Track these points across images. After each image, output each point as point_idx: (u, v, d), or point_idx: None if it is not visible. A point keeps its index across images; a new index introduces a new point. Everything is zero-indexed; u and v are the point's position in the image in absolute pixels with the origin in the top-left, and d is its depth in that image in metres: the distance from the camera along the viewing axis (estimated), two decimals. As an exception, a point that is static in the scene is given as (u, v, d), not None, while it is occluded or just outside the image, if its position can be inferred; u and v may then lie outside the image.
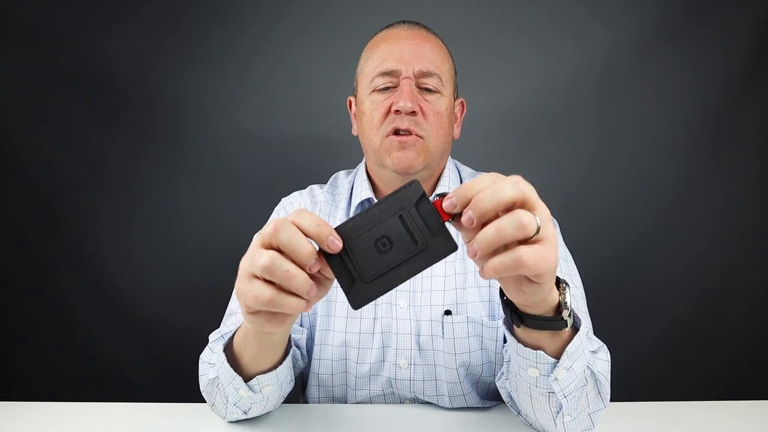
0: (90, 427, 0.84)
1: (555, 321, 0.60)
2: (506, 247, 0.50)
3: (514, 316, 0.62)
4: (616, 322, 1.61)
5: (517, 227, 0.48)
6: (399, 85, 0.92)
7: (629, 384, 1.48)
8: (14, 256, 1.67)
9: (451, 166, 1.03)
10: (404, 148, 0.91)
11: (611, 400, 0.79)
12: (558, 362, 0.65)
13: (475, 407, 0.92)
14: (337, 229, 0.53)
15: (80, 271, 1.67)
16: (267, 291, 0.52)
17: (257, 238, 0.54)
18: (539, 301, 0.58)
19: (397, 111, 0.90)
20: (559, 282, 0.60)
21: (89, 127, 1.65)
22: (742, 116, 1.63)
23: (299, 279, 0.51)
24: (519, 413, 0.81)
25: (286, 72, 1.67)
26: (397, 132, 0.91)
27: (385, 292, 0.53)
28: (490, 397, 0.94)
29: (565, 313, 0.60)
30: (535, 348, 0.65)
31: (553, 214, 0.98)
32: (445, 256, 0.52)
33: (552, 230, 0.51)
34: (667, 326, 1.69)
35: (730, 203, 1.66)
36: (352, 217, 0.53)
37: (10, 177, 1.64)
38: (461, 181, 1.03)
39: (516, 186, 0.49)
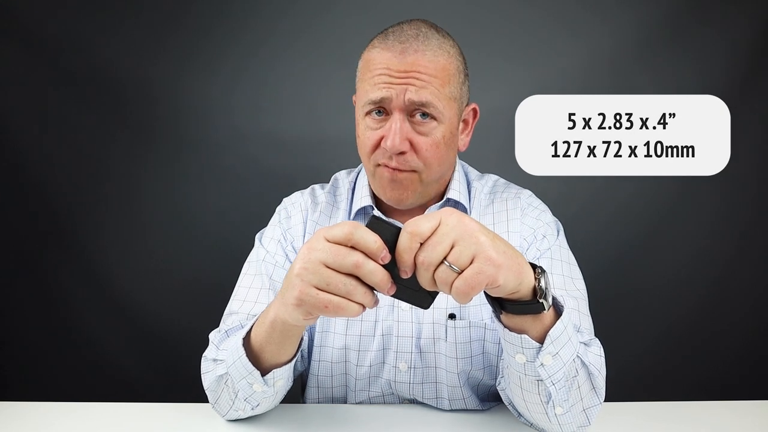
0: (90, 427, 0.84)
1: (532, 304, 0.64)
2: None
3: (496, 303, 0.66)
4: (617, 323, 1.61)
5: (442, 282, 0.57)
6: (391, 114, 0.84)
7: (629, 384, 1.48)
8: (14, 256, 1.67)
9: (459, 169, 0.99)
10: (395, 181, 0.86)
11: (611, 400, 0.79)
12: (542, 347, 0.66)
13: (474, 408, 0.92)
14: None
15: (80, 271, 1.67)
16: (348, 281, 0.58)
17: (322, 233, 0.59)
18: (512, 291, 0.62)
19: None
20: (535, 267, 0.64)
21: (90, 127, 1.65)
22: (744, 115, 1.63)
23: (380, 275, 0.58)
24: (520, 415, 0.80)
25: (287, 72, 1.67)
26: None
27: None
28: (489, 398, 0.94)
29: (540, 296, 0.63)
30: (520, 333, 0.67)
31: (556, 216, 0.99)
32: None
33: (482, 242, 0.57)
34: (668, 326, 1.69)
35: (729, 203, 1.66)
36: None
37: (10, 177, 1.64)
38: (469, 185, 1.00)
39: (440, 245, 0.56)
